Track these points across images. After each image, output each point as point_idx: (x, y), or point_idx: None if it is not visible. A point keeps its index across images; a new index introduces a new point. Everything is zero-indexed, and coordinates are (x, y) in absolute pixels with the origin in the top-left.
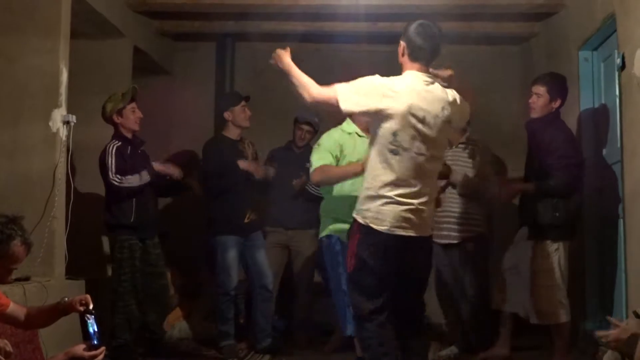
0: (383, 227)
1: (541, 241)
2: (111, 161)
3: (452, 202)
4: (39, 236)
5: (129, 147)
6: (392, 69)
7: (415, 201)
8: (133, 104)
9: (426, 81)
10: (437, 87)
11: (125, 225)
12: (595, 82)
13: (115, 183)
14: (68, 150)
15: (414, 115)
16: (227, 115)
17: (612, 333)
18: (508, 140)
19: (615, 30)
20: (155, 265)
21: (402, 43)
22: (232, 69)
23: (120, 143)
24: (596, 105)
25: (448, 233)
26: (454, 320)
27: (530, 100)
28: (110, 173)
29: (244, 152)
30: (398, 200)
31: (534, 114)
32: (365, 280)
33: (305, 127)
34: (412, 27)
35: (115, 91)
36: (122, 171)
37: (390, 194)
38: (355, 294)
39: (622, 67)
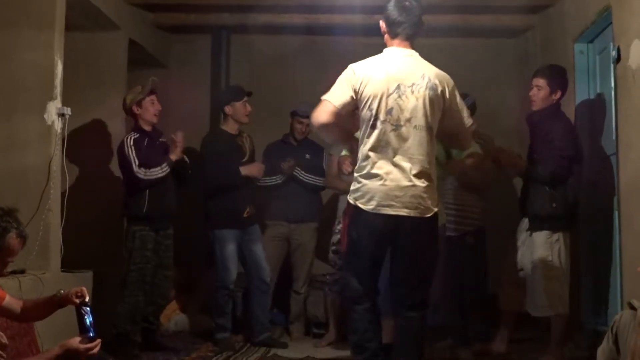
0: (369, 207)
1: (540, 232)
2: (132, 155)
3: (451, 195)
4: (35, 229)
5: (147, 139)
6: None
7: (403, 178)
8: (152, 96)
9: (404, 53)
10: (416, 57)
11: (138, 216)
12: (591, 75)
13: (140, 176)
14: (63, 142)
15: (387, 88)
16: (227, 109)
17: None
18: (504, 133)
19: (610, 23)
20: (163, 256)
21: (381, 21)
22: (227, 62)
23: (137, 135)
24: (592, 98)
25: (447, 226)
26: (451, 312)
27: (530, 93)
28: (134, 166)
29: (242, 146)
30: (384, 178)
31: (535, 107)
32: (356, 261)
33: (306, 121)
34: (389, 3)
35: (136, 84)
36: (144, 164)
37: (375, 171)
38: (347, 275)
39: (618, 59)
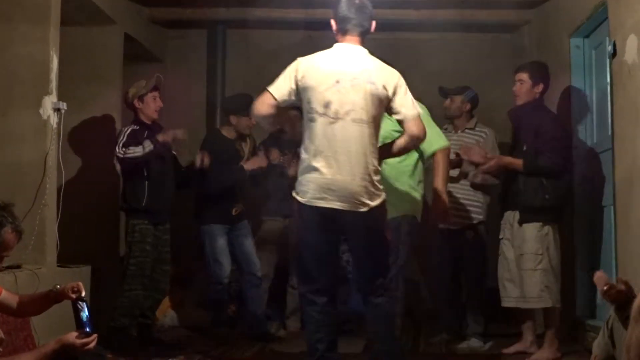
0: (304, 199)
1: (530, 224)
2: (122, 138)
3: (453, 189)
4: (30, 224)
5: (146, 132)
6: (383, 56)
7: (339, 172)
8: (155, 93)
9: (351, 48)
10: (362, 54)
11: (138, 209)
12: (587, 70)
13: (120, 156)
14: (59, 137)
15: (326, 82)
16: (232, 119)
17: (618, 287)
18: (500, 127)
19: (606, 18)
20: (161, 250)
21: (332, 19)
22: (223, 56)
23: (137, 127)
24: (587, 93)
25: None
26: (448, 306)
27: (514, 88)
28: (116, 148)
29: (240, 151)
30: (320, 171)
31: (519, 101)
32: (302, 254)
33: (292, 112)
34: (341, 0)
35: (141, 79)
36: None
37: (313, 164)
38: (297, 272)
39: (614, 54)
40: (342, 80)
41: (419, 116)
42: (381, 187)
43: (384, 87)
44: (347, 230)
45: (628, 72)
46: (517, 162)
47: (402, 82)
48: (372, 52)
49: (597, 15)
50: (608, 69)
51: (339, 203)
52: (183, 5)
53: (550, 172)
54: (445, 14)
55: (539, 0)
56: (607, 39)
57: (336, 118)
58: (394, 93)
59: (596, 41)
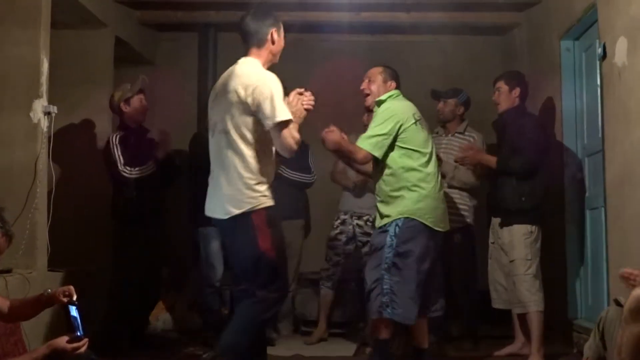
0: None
1: (511, 227)
2: (118, 153)
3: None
4: (21, 228)
5: (133, 137)
6: (374, 58)
7: (215, 182)
8: (141, 95)
9: (239, 61)
10: (242, 64)
11: (126, 215)
12: (577, 72)
13: (126, 175)
14: (49, 141)
15: (210, 98)
16: None
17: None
18: (490, 130)
19: (596, 20)
20: (151, 254)
21: None
22: (214, 59)
23: (123, 133)
24: (578, 95)
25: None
26: (435, 309)
27: (493, 97)
28: (119, 165)
29: None
30: (210, 182)
31: (500, 108)
32: None
33: None
34: None
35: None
36: (129, 162)
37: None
38: None
39: (603, 56)
40: (216, 93)
41: (284, 124)
42: (257, 194)
43: (246, 96)
44: (223, 236)
45: (618, 74)
46: (492, 160)
47: (266, 87)
48: (363, 54)
49: (587, 18)
50: (598, 71)
51: (210, 212)
52: (173, 8)
53: (521, 171)
54: (436, 17)
55: (529, 2)
56: (597, 41)
57: (213, 131)
58: (253, 101)
59: (586, 43)
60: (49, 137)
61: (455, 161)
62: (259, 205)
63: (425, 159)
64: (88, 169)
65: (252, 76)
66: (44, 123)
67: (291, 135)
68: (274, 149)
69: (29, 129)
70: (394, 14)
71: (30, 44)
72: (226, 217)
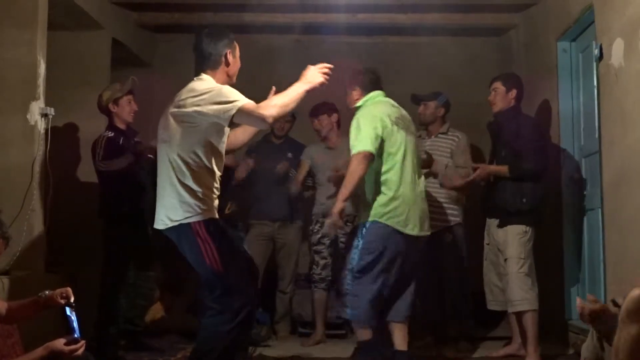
0: None
1: (509, 228)
2: (99, 150)
3: (429, 191)
4: (18, 230)
5: (122, 138)
6: (371, 60)
7: (158, 191)
8: (130, 96)
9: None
10: (195, 79)
11: (116, 216)
12: (574, 73)
13: (101, 169)
14: (46, 143)
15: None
16: None
17: (591, 307)
18: (485, 130)
19: (593, 21)
20: (143, 256)
21: None
22: None
23: (112, 134)
24: (574, 96)
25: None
26: (430, 311)
27: (489, 98)
28: (96, 160)
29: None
30: None
31: (495, 108)
32: None
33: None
34: None
35: (113, 82)
36: (107, 158)
37: None
38: None
39: (600, 57)
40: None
41: (242, 107)
42: (192, 206)
43: (184, 106)
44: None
45: (615, 75)
46: (503, 169)
47: (213, 93)
48: (360, 56)
49: (584, 19)
50: (595, 72)
51: (155, 221)
52: (171, 10)
53: (535, 174)
54: (434, 18)
55: (526, 4)
56: (594, 42)
57: (159, 142)
58: (192, 102)
59: (583, 44)
60: (46, 139)
61: (451, 188)
62: (195, 216)
63: (396, 161)
64: (84, 171)
65: (193, 87)
66: (41, 125)
67: (256, 108)
68: (220, 162)
69: (26, 130)
70: (392, 15)
71: (27, 46)
72: (163, 227)
